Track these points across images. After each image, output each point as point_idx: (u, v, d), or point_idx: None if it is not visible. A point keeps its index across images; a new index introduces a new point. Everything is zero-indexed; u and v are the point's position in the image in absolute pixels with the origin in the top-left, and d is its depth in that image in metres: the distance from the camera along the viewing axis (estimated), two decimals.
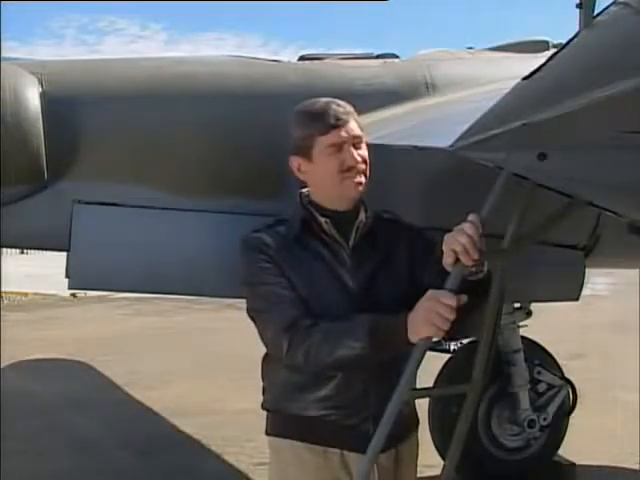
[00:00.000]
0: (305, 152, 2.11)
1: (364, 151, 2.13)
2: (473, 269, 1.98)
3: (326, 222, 2.12)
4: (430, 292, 1.93)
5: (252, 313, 2.14)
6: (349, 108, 2.14)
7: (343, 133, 2.08)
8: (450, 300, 1.90)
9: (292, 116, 2.17)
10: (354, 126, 2.11)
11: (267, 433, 2.24)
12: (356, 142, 2.11)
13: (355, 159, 2.09)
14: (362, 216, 2.16)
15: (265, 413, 2.26)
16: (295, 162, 2.16)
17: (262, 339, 2.12)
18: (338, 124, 2.08)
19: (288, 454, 2.15)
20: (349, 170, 2.08)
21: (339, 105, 2.12)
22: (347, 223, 2.14)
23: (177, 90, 3.27)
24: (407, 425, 2.23)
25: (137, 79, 3.29)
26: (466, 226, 1.92)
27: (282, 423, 2.17)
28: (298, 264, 2.08)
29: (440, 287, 1.96)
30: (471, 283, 1.98)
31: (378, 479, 2.11)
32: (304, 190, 2.21)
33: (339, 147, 2.07)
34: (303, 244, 2.11)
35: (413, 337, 1.93)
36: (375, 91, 3.37)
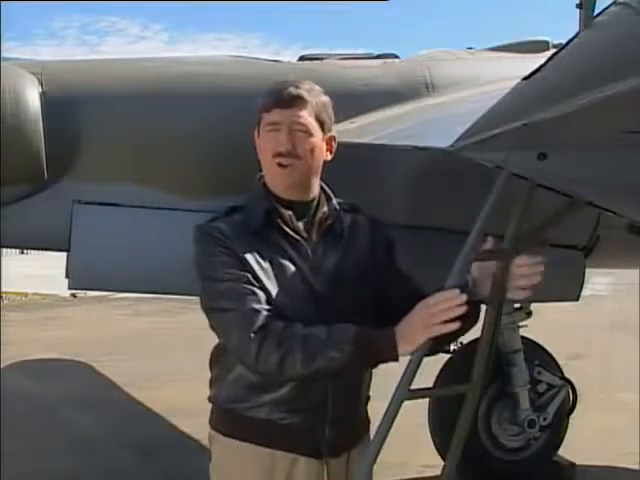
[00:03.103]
0: (258, 126, 2.03)
1: (304, 145, 1.97)
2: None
3: (290, 216, 2.01)
4: (418, 305, 1.89)
5: (212, 313, 1.97)
6: (308, 93, 1.99)
7: (283, 114, 1.96)
8: (435, 298, 1.86)
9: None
10: (302, 112, 1.97)
11: (215, 429, 2.14)
12: (295, 128, 1.96)
13: (284, 145, 1.95)
14: (325, 208, 2.06)
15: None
16: (255, 137, 2.06)
17: (225, 343, 1.98)
18: (281, 104, 1.96)
19: (236, 455, 2.06)
20: (279, 155, 1.97)
21: (297, 87, 1.98)
22: (309, 215, 2.04)
23: (177, 90, 3.28)
24: (361, 429, 2.15)
25: (137, 79, 3.30)
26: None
27: (232, 422, 2.06)
28: (260, 259, 1.96)
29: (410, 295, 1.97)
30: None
31: None
32: (261, 174, 2.10)
33: (275, 128, 1.97)
34: (265, 237, 1.98)
35: (407, 347, 1.87)
36: (375, 91, 3.38)
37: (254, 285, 1.93)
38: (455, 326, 1.86)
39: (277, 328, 1.87)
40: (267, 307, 1.91)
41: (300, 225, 2.03)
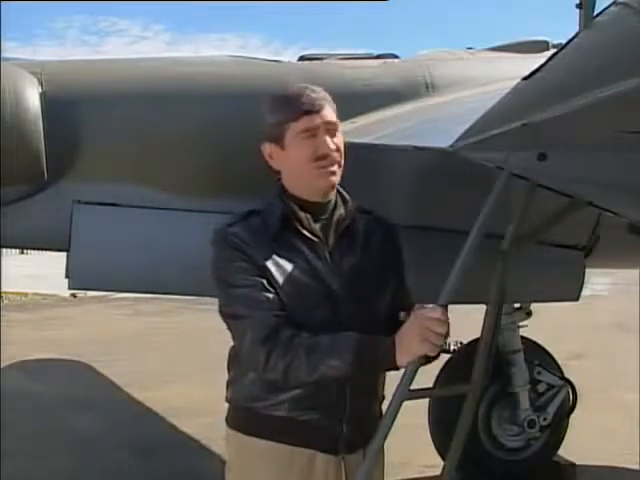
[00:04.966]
0: (277, 139, 2.03)
1: (339, 139, 2.04)
2: None
3: (307, 218, 2.04)
4: (418, 311, 1.91)
5: (227, 317, 2.04)
6: (324, 94, 2.04)
7: (316, 119, 1.99)
8: (439, 314, 1.87)
9: (266, 102, 2.09)
10: (328, 112, 2.02)
11: (232, 427, 2.14)
12: (330, 128, 2.02)
13: (329, 146, 2.00)
14: (341, 210, 2.09)
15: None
16: (267, 149, 2.07)
17: (238, 347, 2.02)
18: (311, 109, 1.99)
19: (254, 452, 2.07)
20: (322, 158, 2.00)
21: (313, 91, 2.03)
22: (325, 217, 2.07)
23: (177, 90, 3.28)
24: (376, 426, 2.15)
25: (137, 79, 3.30)
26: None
27: (251, 421, 2.07)
28: (278, 261, 1.99)
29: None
30: None
31: (345, 478, 2.07)
32: (278, 177, 2.12)
33: (312, 133, 1.99)
34: (282, 240, 2.02)
35: (404, 357, 1.89)
36: (375, 91, 3.38)
37: (269, 291, 1.97)
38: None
39: (285, 337, 1.91)
40: (280, 314, 1.95)
41: (317, 227, 2.06)
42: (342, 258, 2.06)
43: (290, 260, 2.01)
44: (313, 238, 2.04)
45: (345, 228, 2.08)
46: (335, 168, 2.03)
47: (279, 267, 1.99)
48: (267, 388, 2.02)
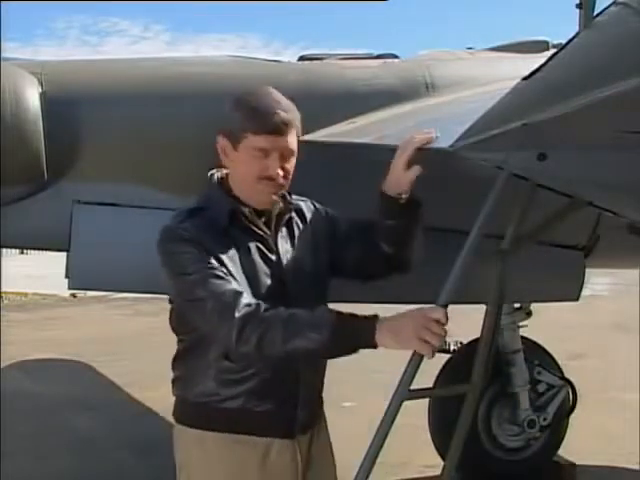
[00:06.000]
0: (234, 140, 2.05)
1: (291, 164, 2.07)
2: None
3: (250, 212, 2.06)
4: (418, 308, 1.91)
5: (191, 305, 2.01)
6: (293, 115, 2.05)
7: (275, 142, 2.00)
8: (440, 314, 1.88)
9: (238, 99, 2.09)
10: (290, 138, 2.03)
11: (184, 424, 2.22)
12: (286, 154, 2.04)
13: (276, 172, 2.02)
14: (280, 204, 2.12)
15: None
16: (222, 142, 2.09)
17: (206, 328, 2.01)
18: (273, 132, 2.00)
19: (211, 447, 2.11)
20: (267, 179, 2.02)
21: (287, 111, 2.03)
22: (266, 212, 2.11)
23: (177, 90, 3.27)
24: (321, 405, 2.24)
25: (137, 79, 3.29)
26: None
27: (206, 416, 2.11)
28: (230, 254, 2.01)
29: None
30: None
31: (300, 460, 2.12)
32: (216, 173, 2.16)
33: (266, 153, 2.01)
34: (230, 235, 2.04)
35: (391, 339, 1.87)
36: (375, 91, 3.37)
37: (232, 276, 1.98)
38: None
39: (262, 308, 1.92)
40: (249, 292, 1.96)
41: (260, 221, 2.10)
42: (287, 248, 2.11)
43: (240, 253, 2.03)
44: (259, 232, 2.08)
45: (285, 221, 2.14)
46: (276, 190, 2.06)
47: (232, 259, 2.01)
48: (223, 383, 2.06)
